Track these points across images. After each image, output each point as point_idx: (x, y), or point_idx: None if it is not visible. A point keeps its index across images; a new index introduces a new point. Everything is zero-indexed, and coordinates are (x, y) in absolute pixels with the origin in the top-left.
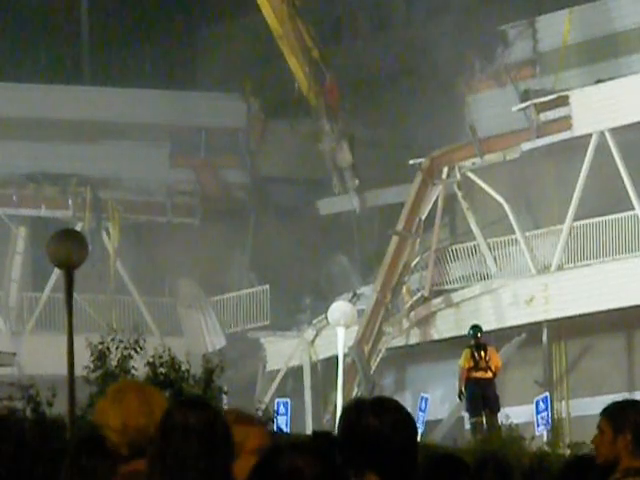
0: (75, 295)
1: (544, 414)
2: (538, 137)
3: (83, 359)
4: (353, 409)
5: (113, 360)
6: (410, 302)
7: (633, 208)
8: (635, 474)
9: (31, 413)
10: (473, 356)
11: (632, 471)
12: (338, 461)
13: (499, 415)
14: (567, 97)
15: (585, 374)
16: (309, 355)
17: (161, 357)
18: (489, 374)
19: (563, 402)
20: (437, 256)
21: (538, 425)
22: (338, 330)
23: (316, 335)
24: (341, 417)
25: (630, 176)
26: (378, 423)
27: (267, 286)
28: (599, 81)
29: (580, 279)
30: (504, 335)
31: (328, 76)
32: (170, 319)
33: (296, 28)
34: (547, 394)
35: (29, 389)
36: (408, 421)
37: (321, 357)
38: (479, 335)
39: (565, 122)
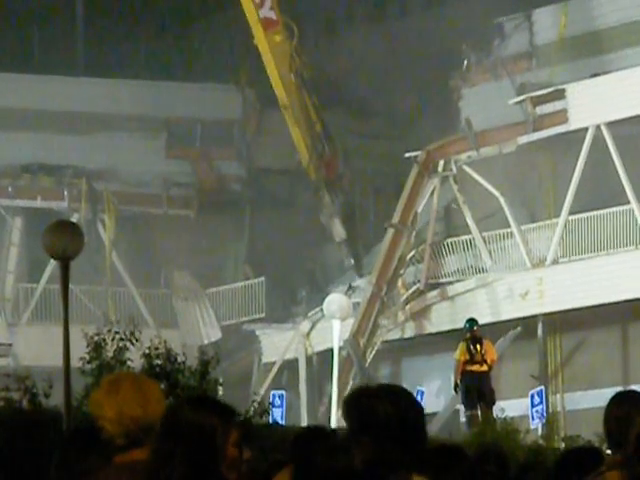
0: (71, 286)
1: (539, 407)
2: (534, 130)
3: (79, 350)
4: (364, 397)
5: (109, 351)
6: (405, 295)
7: (628, 202)
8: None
9: (28, 404)
10: (469, 349)
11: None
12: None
13: (494, 408)
14: (563, 90)
15: (580, 368)
16: (304, 347)
17: (157, 349)
18: (485, 367)
19: (558, 395)
20: (432, 249)
21: (533, 418)
22: (334, 323)
23: (312, 328)
24: (349, 406)
25: (626, 170)
26: (394, 409)
27: (263, 278)
28: (595, 75)
29: (575, 273)
30: (499, 329)
31: (327, 149)
32: (166, 311)
33: (302, 100)
34: (542, 387)
35: (25, 380)
36: (418, 405)
37: (316, 350)
38: (475, 328)
39: (561, 116)
